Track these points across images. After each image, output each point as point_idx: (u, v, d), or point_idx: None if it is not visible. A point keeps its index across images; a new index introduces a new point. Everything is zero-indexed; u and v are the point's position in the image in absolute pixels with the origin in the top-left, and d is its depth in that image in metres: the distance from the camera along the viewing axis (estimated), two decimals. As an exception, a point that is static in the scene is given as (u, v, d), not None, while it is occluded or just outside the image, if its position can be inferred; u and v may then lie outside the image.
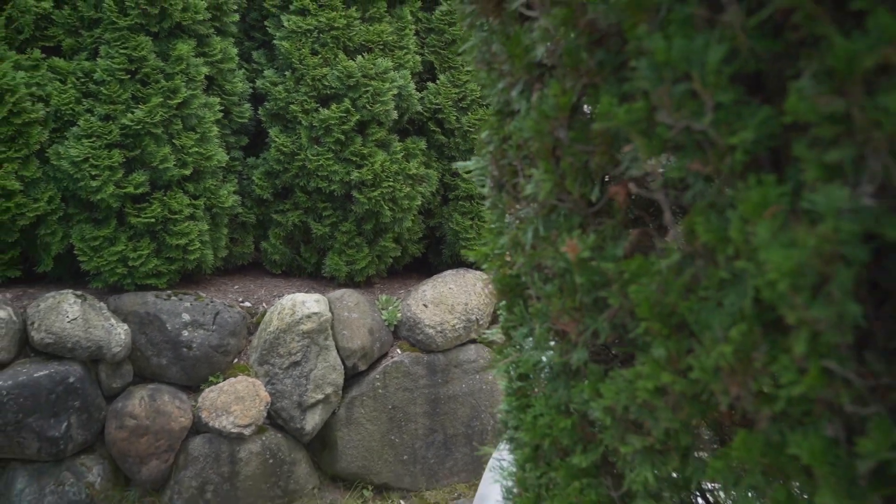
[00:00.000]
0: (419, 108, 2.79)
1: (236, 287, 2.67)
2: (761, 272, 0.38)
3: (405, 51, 2.71)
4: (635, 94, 0.45)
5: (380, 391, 2.51)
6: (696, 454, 0.52)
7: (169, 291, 2.39)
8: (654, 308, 0.46)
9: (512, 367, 0.69)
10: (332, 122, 2.54)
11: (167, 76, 2.32)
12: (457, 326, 2.58)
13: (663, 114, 0.42)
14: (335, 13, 2.58)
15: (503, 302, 0.69)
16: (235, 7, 2.60)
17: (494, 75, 0.61)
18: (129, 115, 2.24)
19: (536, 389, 0.66)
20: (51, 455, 2.09)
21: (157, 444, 2.20)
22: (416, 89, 2.78)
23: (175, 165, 2.33)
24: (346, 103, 2.55)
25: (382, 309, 2.60)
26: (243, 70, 2.71)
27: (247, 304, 2.55)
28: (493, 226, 0.68)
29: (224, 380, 2.32)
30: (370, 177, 2.57)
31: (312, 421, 2.39)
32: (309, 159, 2.59)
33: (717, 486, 0.53)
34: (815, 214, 0.35)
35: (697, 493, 0.57)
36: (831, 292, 0.35)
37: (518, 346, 0.68)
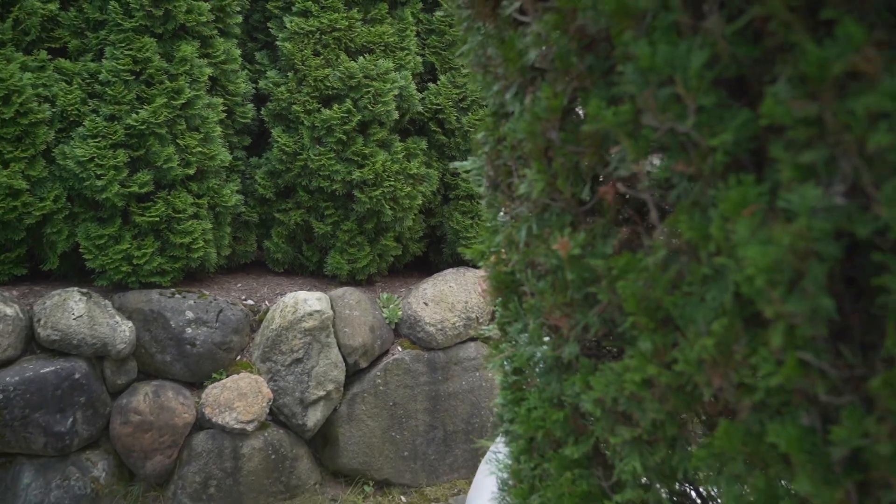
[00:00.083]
0: (420, 108, 2.81)
1: (239, 285, 2.69)
2: (740, 268, 0.39)
3: (406, 52, 2.73)
4: (623, 98, 0.47)
5: (381, 388, 2.53)
6: (688, 447, 0.54)
7: (173, 289, 2.42)
8: (641, 303, 0.47)
9: (507, 362, 0.71)
10: (334, 122, 2.57)
11: (171, 77, 2.34)
12: (457, 324, 2.60)
13: (649, 116, 0.43)
14: (337, 15, 2.60)
15: (499, 298, 0.71)
16: (238, 9, 2.63)
17: (490, 78, 0.63)
18: (134, 115, 2.26)
19: (531, 382, 0.68)
20: (57, 450, 2.11)
21: (161, 440, 2.23)
22: (417, 90, 2.79)
23: (179, 165, 2.36)
24: (348, 104, 2.57)
25: (383, 307, 2.63)
26: (246, 71, 2.73)
27: (250, 301, 2.57)
28: (489, 224, 0.70)
29: (227, 376, 2.35)
30: (371, 176, 2.59)
31: (314, 417, 2.41)
32: (311, 159, 2.61)
33: (702, 475, 0.55)
34: (791, 213, 0.37)
35: (689, 485, 0.59)
36: (806, 287, 0.37)
37: (513, 342, 0.70)
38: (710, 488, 0.58)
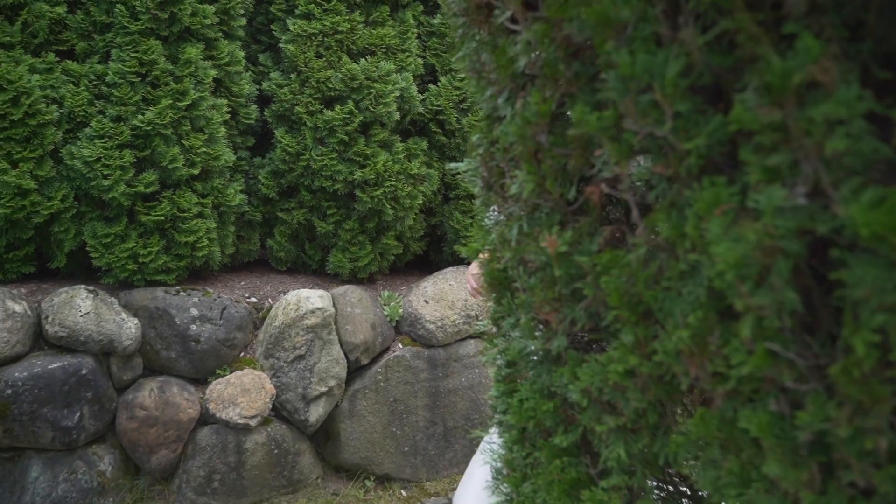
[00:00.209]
0: (421, 109, 2.83)
1: (243, 283, 2.73)
2: (713, 264, 0.42)
3: (407, 54, 2.75)
4: (607, 103, 0.49)
5: (381, 384, 2.56)
6: (669, 434, 0.57)
7: (178, 287, 2.45)
8: (624, 297, 0.50)
9: (500, 356, 0.74)
10: (336, 123, 2.60)
11: (176, 79, 2.38)
12: (457, 322, 2.63)
13: (630, 121, 0.46)
14: (339, 17, 2.63)
15: (493, 294, 0.73)
16: (242, 11, 2.66)
17: (484, 83, 0.66)
18: (140, 116, 2.30)
19: (523, 374, 0.71)
20: (64, 444, 2.15)
21: (166, 435, 2.27)
22: (418, 91, 2.82)
23: (184, 165, 2.39)
24: (350, 105, 2.60)
25: (384, 305, 2.66)
26: (250, 72, 2.77)
27: (253, 299, 2.61)
28: (483, 223, 0.73)
29: (231, 373, 2.38)
30: (373, 176, 2.62)
31: (316, 413, 2.44)
32: (313, 159, 2.64)
33: (682, 460, 0.57)
34: (759, 212, 0.40)
35: (670, 470, 0.61)
36: (772, 282, 0.40)
37: (506, 336, 0.73)
38: (689, 472, 0.61)
